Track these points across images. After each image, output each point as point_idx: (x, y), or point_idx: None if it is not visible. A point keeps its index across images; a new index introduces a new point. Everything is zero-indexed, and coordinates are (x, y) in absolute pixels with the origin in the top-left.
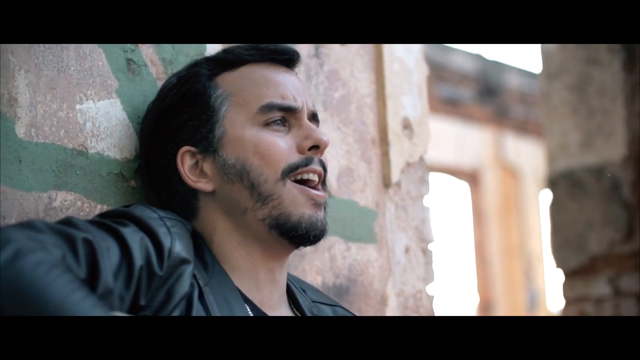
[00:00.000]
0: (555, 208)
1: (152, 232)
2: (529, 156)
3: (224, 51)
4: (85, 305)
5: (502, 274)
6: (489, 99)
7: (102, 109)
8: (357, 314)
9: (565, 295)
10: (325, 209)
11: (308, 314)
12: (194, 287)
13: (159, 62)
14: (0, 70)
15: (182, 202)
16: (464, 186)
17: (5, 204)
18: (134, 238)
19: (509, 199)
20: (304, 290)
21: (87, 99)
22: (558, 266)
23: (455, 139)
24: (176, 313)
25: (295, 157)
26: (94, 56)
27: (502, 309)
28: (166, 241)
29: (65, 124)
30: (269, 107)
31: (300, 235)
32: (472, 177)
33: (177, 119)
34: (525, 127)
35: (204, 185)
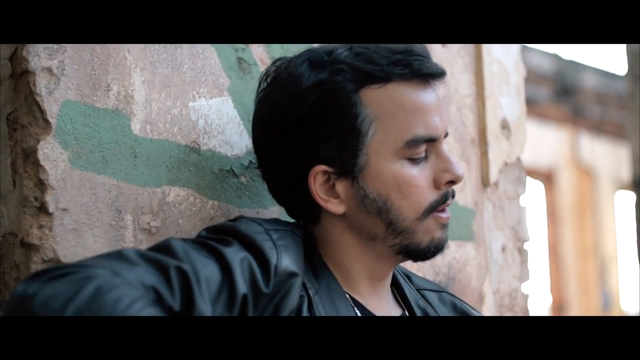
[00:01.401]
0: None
1: (257, 249)
2: (605, 157)
3: (368, 60)
4: None
5: (576, 275)
6: (566, 99)
7: (214, 106)
8: None
9: None
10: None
11: (414, 306)
12: (303, 299)
13: (268, 61)
14: (118, 68)
15: (303, 210)
16: (539, 186)
17: (121, 199)
18: (237, 259)
19: (584, 200)
20: (409, 277)
21: (199, 97)
22: None
23: (531, 139)
24: None
25: (434, 195)
26: (207, 55)
27: (575, 310)
28: (272, 257)
29: (179, 121)
30: (415, 142)
31: (427, 257)
32: (547, 177)
33: (316, 133)
34: (601, 128)
35: (334, 207)
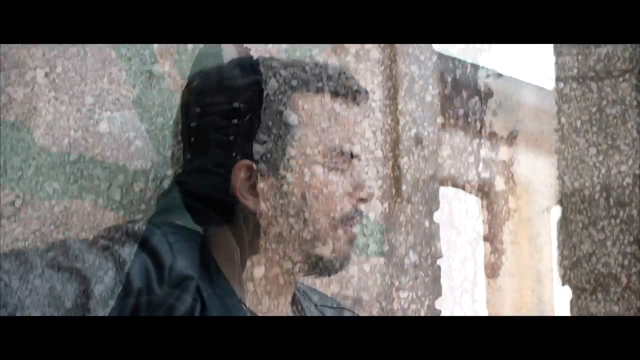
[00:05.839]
0: (563, 225)
1: (153, 250)
2: (542, 172)
3: (302, 69)
4: None
5: (511, 291)
6: (503, 114)
7: (120, 119)
8: None
9: (572, 313)
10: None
11: None
12: (196, 302)
13: (177, 74)
14: (22, 77)
15: (219, 207)
16: (475, 201)
17: (23, 211)
18: (134, 260)
19: (521, 215)
20: (307, 294)
21: (105, 109)
22: (564, 283)
23: (469, 154)
24: None
25: (348, 207)
26: (114, 66)
27: None
28: (167, 259)
29: (84, 133)
30: (340, 153)
31: (329, 271)
32: (484, 192)
33: (246, 127)
34: (539, 143)
35: (251, 204)
